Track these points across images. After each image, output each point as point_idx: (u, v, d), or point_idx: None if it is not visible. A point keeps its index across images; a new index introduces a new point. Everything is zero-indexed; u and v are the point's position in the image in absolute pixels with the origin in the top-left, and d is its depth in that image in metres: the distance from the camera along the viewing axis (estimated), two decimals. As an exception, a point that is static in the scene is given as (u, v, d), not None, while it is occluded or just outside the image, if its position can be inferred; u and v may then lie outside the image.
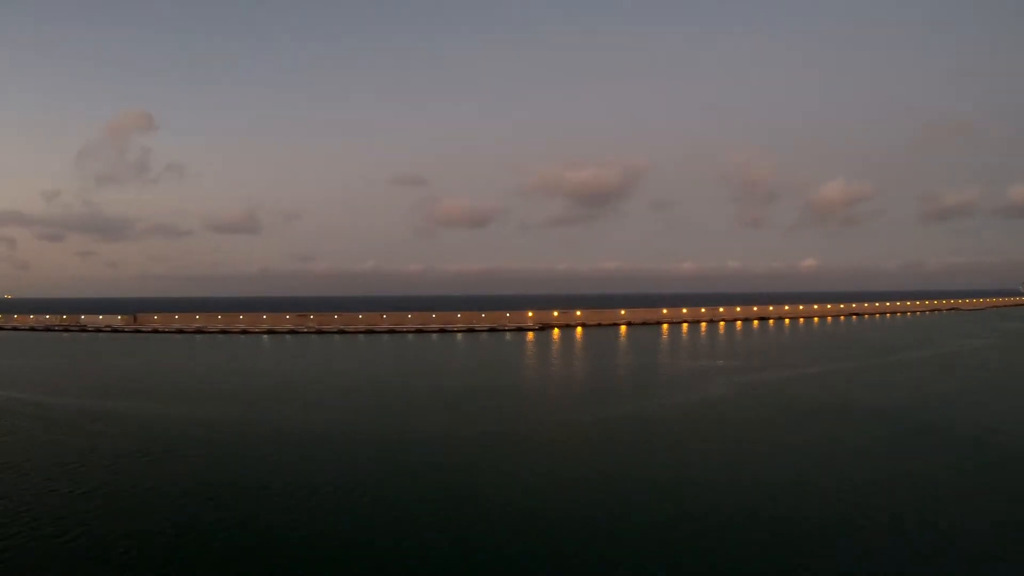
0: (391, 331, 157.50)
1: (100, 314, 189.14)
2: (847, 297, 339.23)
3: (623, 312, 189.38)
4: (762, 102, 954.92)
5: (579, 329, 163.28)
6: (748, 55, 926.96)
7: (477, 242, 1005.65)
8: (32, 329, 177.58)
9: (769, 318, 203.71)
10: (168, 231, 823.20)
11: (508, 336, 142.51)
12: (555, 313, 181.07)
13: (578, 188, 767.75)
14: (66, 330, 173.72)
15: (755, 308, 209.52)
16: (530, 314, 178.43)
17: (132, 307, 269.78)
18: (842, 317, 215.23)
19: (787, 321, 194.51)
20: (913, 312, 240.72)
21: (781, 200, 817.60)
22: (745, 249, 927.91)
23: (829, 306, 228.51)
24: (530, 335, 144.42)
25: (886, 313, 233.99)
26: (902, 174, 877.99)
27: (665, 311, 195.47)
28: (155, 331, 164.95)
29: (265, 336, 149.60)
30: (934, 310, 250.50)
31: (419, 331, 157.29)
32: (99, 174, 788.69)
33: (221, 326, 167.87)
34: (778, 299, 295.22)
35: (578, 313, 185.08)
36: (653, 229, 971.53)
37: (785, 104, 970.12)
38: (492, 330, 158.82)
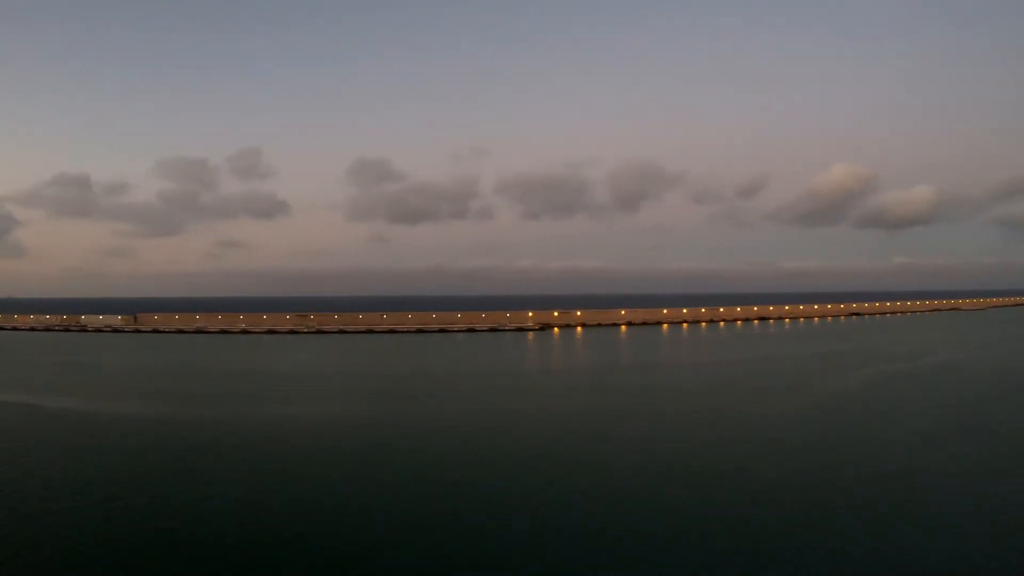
0: (391, 331, 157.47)
1: (100, 314, 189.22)
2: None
3: (623, 312, 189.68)
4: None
5: (579, 329, 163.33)
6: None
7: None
8: (32, 329, 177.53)
9: (769, 318, 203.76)
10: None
11: (509, 336, 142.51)
12: (555, 313, 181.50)
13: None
14: (66, 330, 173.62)
15: (755, 308, 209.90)
16: (530, 314, 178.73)
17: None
18: (842, 317, 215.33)
19: (787, 321, 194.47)
20: (914, 312, 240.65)
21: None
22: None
23: (829, 306, 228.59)
24: (530, 335, 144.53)
25: (887, 313, 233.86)
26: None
27: (665, 311, 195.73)
28: (155, 331, 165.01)
29: (267, 336, 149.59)
30: (935, 310, 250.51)
31: (420, 331, 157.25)
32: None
33: (221, 326, 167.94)
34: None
35: (578, 313, 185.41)
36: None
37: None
38: (493, 330, 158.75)
